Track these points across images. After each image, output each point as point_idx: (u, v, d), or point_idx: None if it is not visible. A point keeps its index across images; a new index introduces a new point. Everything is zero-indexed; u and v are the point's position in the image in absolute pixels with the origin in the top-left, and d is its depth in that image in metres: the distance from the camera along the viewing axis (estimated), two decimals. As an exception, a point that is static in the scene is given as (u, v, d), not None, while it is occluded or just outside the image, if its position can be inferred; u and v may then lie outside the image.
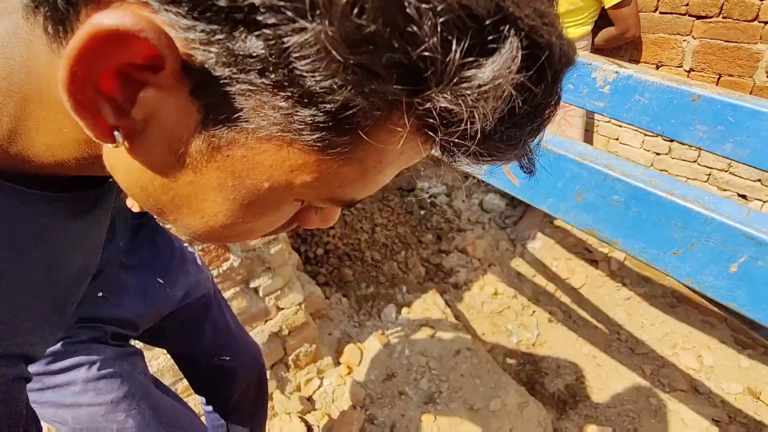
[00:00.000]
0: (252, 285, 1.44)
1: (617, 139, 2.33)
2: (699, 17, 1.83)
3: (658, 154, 2.18)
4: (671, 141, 2.12)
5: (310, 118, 0.21)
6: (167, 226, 1.10)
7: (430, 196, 2.94)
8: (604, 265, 2.43)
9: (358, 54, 0.18)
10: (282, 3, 0.17)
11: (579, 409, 1.86)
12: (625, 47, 2.10)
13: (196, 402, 1.39)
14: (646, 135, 2.19)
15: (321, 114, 0.20)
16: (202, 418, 1.15)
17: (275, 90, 0.20)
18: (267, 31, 0.18)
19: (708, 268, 0.51)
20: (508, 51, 0.19)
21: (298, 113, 0.20)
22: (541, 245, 2.55)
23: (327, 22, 0.17)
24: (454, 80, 0.19)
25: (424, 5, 0.17)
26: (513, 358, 2.07)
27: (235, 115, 0.21)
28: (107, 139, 0.23)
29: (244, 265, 1.38)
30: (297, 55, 0.18)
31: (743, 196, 1.98)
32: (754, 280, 0.48)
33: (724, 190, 2.02)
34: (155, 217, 0.29)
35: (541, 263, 2.48)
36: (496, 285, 2.33)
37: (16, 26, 0.25)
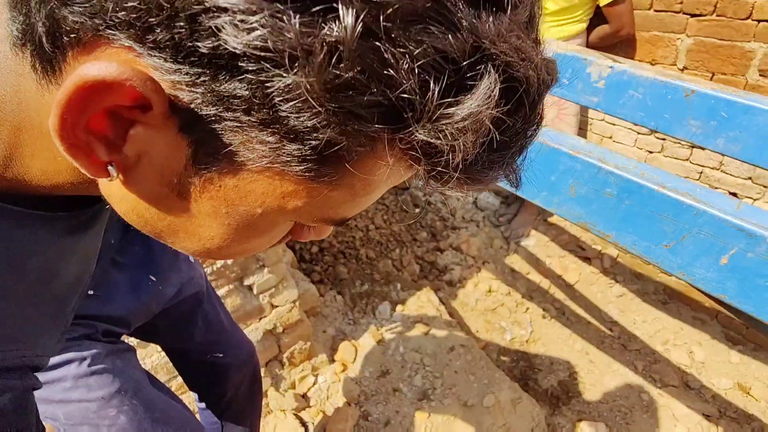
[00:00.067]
0: (246, 282, 1.44)
1: (611, 137, 2.34)
2: (693, 15, 1.84)
3: (650, 152, 2.19)
4: (664, 140, 2.13)
5: (297, 152, 0.21)
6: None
7: (424, 194, 2.95)
8: (597, 263, 2.45)
9: (338, 99, 0.19)
10: (261, 53, 0.18)
11: (572, 405, 1.87)
12: (619, 45, 2.10)
13: (190, 399, 1.39)
14: (639, 134, 2.20)
15: (307, 149, 0.21)
16: (197, 416, 1.15)
17: (262, 127, 0.21)
18: (249, 75, 0.19)
19: (699, 261, 0.52)
20: (486, 87, 0.19)
21: (285, 147, 0.21)
22: (534, 243, 2.56)
23: (306, 73, 0.18)
24: (434, 117, 0.20)
25: (400, 50, 0.18)
26: (507, 354, 2.09)
27: (225, 150, 0.22)
28: (102, 174, 0.23)
29: (238, 262, 1.38)
30: (280, 99, 0.19)
31: (734, 194, 2.00)
32: (744, 271, 0.49)
33: (716, 188, 2.04)
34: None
35: (534, 261, 2.50)
36: (490, 282, 2.34)
37: (5, 56, 0.25)
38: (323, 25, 0.17)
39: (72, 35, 0.21)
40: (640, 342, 2.12)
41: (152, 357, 1.30)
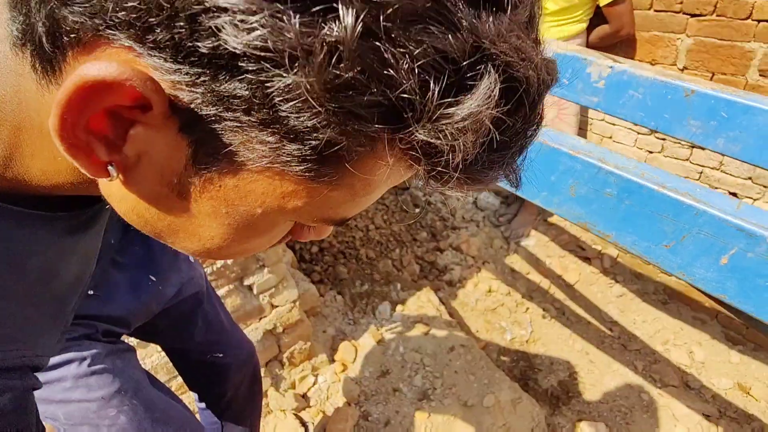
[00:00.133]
0: (246, 282, 1.44)
1: (611, 137, 2.34)
2: (693, 15, 1.84)
3: (650, 152, 2.19)
4: (664, 140, 2.13)
5: (297, 152, 0.21)
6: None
7: (424, 195, 2.95)
8: (597, 263, 2.45)
9: (339, 98, 0.19)
10: (261, 53, 0.18)
11: (572, 405, 1.87)
12: (619, 45, 2.10)
13: (190, 399, 1.39)
14: (639, 134, 2.20)
15: (307, 149, 0.21)
16: (197, 416, 1.15)
17: (261, 127, 0.21)
18: (249, 75, 0.19)
19: (699, 261, 0.52)
20: (486, 87, 0.19)
21: (285, 147, 0.21)
22: (534, 243, 2.56)
23: (306, 73, 0.18)
24: (434, 117, 0.20)
25: (400, 50, 0.18)
26: (507, 354, 2.09)
27: (225, 150, 0.22)
28: (102, 174, 0.23)
29: (238, 262, 1.38)
30: (280, 98, 0.19)
31: (734, 194, 2.00)
32: (744, 271, 0.49)
33: (716, 187, 2.04)
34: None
35: (534, 261, 2.50)
36: (490, 282, 2.34)
37: (5, 56, 0.25)
38: (323, 24, 0.17)
39: (72, 35, 0.21)
40: (640, 342, 2.12)
41: (152, 357, 1.30)
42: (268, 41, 0.18)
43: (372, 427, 1.54)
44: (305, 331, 1.66)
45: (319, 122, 0.20)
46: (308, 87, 0.18)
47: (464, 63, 0.19)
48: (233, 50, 0.18)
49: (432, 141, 0.21)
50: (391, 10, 0.17)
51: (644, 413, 1.80)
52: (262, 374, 1.55)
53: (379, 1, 0.17)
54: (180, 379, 1.29)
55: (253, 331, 1.51)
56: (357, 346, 1.80)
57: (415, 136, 0.21)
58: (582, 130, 2.41)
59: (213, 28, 0.18)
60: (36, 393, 0.35)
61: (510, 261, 2.51)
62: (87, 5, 0.19)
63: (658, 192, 0.52)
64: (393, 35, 0.18)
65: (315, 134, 0.20)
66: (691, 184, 0.53)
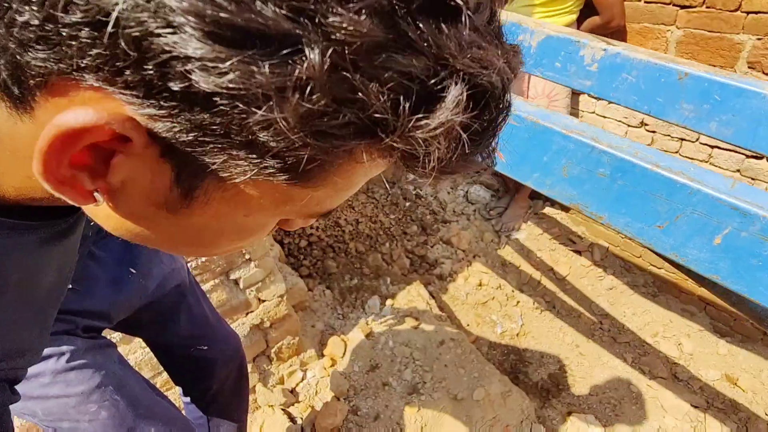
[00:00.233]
0: (232, 277, 1.42)
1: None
2: (683, 7, 1.84)
3: (640, 144, 2.20)
4: (654, 132, 2.13)
5: (279, 165, 0.22)
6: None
7: (414, 188, 2.93)
8: (587, 255, 2.45)
9: (314, 125, 0.20)
10: (234, 93, 0.18)
11: (562, 398, 1.88)
12: (609, 37, 2.09)
13: (176, 396, 1.37)
14: (629, 126, 2.20)
15: (288, 164, 0.22)
16: (183, 412, 1.13)
17: (242, 147, 0.21)
18: (224, 109, 0.19)
19: (692, 241, 0.51)
20: (453, 97, 0.21)
21: (267, 162, 0.22)
22: (525, 236, 2.56)
23: (280, 109, 0.19)
24: (407, 130, 0.21)
25: (368, 77, 0.19)
26: (497, 348, 2.08)
27: (208, 169, 0.22)
28: (89, 201, 0.24)
29: (224, 256, 1.35)
30: (257, 128, 0.20)
31: (723, 187, 2.01)
32: (738, 251, 0.48)
33: (705, 180, 2.04)
34: None
35: (525, 254, 2.50)
36: (480, 276, 2.34)
37: None
38: (292, 65, 0.18)
39: (38, 78, 0.21)
40: (630, 334, 2.13)
41: (136, 353, 1.28)
42: (240, 84, 0.18)
43: (361, 421, 1.52)
44: (293, 325, 1.64)
45: (297, 145, 0.21)
46: (284, 121, 0.19)
47: (430, 82, 0.20)
48: (206, 90, 0.18)
49: (406, 148, 0.22)
50: (355, 45, 0.18)
51: (633, 405, 1.81)
52: (250, 370, 1.53)
53: (342, 40, 0.18)
54: (166, 375, 1.26)
55: (240, 326, 1.48)
56: (346, 340, 1.79)
57: (391, 145, 0.22)
58: (572, 123, 2.41)
59: (183, 72, 0.18)
60: None
61: (500, 255, 2.51)
62: (50, 51, 0.19)
63: (652, 171, 0.51)
64: (360, 65, 0.19)
65: (294, 152, 0.21)
66: (685, 163, 0.51)
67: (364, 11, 0.18)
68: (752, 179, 1.89)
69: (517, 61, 0.24)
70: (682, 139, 2.06)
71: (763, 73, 1.73)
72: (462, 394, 1.59)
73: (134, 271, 0.86)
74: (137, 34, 0.18)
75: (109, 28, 0.18)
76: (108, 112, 0.20)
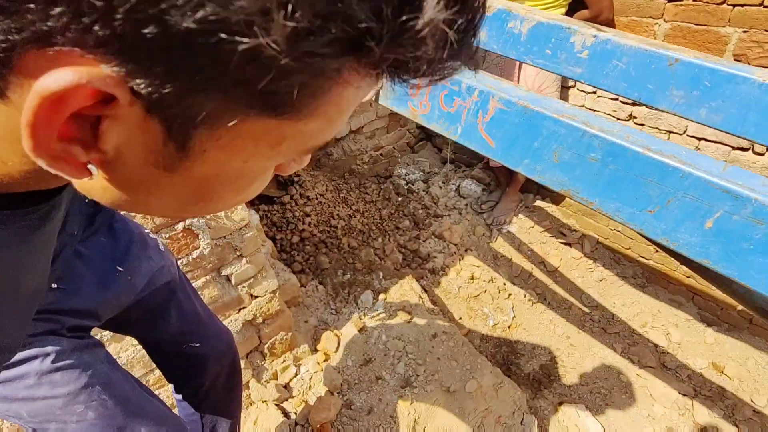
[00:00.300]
0: (224, 273, 1.41)
1: (590, 123, 2.35)
2: (670, 0, 1.85)
3: (629, 137, 2.22)
4: (642, 125, 2.15)
5: (272, 100, 0.22)
6: (131, 214, 1.06)
7: (407, 183, 2.93)
8: (577, 248, 2.47)
9: (302, 46, 0.19)
10: (215, 26, 0.18)
11: (553, 388, 1.90)
12: (598, 31, 2.11)
13: (168, 394, 1.37)
14: (618, 119, 2.22)
15: (280, 96, 0.22)
16: (175, 410, 1.13)
17: (230, 89, 0.21)
18: (207, 48, 0.18)
19: (683, 225, 0.50)
20: None
21: (256, 100, 0.21)
22: (516, 229, 2.58)
23: (267, 32, 0.18)
24: (393, 36, 0.20)
25: None
26: (489, 340, 2.10)
27: (198, 118, 0.22)
28: (84, 175, 0.24)
29: (215, 252, 1.35)
30: (244, 60, 0.19)
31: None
32: (729, 235, 0.48)
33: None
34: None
35: (516, 247, 2.51)
36: (472, 269, 2.35)
37: None
38: None
39: (1, 55, 0.20)
40: (620, 325, 2.16)
41: (127, 351, 1.27)
42: (220, 13, 0.17)
43: (355, 415, 1.53)
44: (286, 321, 1.64)
45: (287, 71, 0.20)
46: (273, 44, 0.18)
47: None
48: (183, 28, 0.17)
49: (396, 57, 0.22)
50: None
51: (623, 394, 1.84)
52: (243, 365, 1.53)
53: None
54: (158, 372, 1.26)
55: (233, 323, 1.48)
56: (339, 335, 1.79)
57: (380, 56, 0.21)
58: (562, 117, 2.42)
59: (155, 13, 0.17)
60: None
61: (492, 248, 2.52)
62: (8, 20, 0.18)
63: (643, 155, 0.51)
64: None
65: (285, 82, 0.21)
66: (676, 147, 0.52)
67: None
68: (738, 171, 1.92)
69: None
70: (670, 132, 2.08)
71: (749, 64, 1.75)
72: (455, 386, 1.61)
73: (121, 269, 0.84)
74: None
75: None
76: (87, 71, 0.19)
